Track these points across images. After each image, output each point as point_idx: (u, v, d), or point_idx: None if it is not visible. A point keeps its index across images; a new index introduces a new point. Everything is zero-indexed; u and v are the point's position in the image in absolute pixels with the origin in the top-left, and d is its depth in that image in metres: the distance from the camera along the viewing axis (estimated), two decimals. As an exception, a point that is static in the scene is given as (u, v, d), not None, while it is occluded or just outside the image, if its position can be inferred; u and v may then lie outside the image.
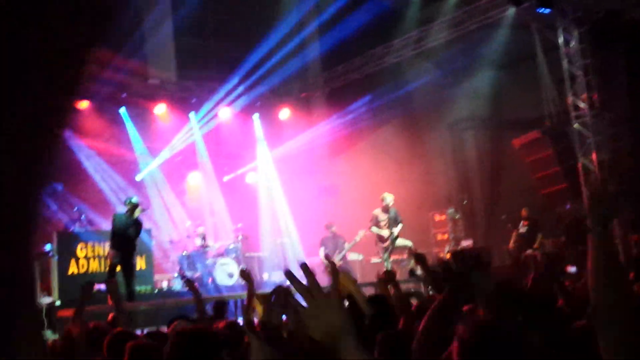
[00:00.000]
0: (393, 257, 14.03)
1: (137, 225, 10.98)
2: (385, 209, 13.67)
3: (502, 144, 16.49)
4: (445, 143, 18.45)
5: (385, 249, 13.61)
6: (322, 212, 16.31)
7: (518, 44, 14.88)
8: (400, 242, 13.56)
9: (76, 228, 13.24)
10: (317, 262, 14.72)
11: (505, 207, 15.82)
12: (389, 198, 13.67)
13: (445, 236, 16.27)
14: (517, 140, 14.54)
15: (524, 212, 13.71)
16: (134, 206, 10.88)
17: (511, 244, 13.58)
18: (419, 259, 4.76)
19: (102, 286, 4.93)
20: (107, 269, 10.88)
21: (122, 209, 11.50)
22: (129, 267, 10.70)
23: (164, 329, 5.57)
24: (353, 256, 14.78)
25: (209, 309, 9.53)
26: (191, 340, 2.91)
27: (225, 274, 13.68)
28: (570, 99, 13.36)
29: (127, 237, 10.75)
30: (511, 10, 14.05)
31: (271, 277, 15.15)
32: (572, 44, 13.31)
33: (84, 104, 15.22)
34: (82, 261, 11.72)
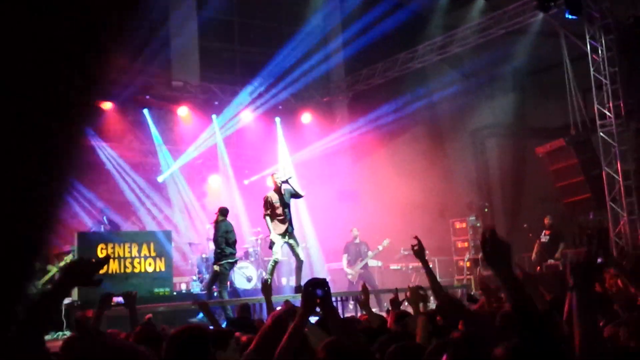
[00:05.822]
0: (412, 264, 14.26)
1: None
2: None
3: (525, 152, 16.33)
4: (467, 150, 18.31)
5: None
6: (342, 218, 16.21)
7: (544, 52, 14.70)
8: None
9: (98, 228, 13.28)
10: (338, 267, 14.70)
11: (527, 215, 15.67)
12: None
13: (466, 244, 16.11)
14: (541, 148, 14.35)
15: (546, 220, 13.52)
16: (225, 212, 11.64)
17: (533, 254, 13.37)
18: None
19: (120, 299, 4.97)
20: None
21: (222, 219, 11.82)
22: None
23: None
24: (372, 263, 14.70)
25: (232, 313, 9.54)
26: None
27: (244, 278, 13.63)
28: (596, 107, 13.17)
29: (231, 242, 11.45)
30: (538, 17, 13.86)
31: (289, 282, 15.07)
32: (600, 51, 13.12)
33: (107, 105, 15.27)
34: (102, 262, 11.70)
